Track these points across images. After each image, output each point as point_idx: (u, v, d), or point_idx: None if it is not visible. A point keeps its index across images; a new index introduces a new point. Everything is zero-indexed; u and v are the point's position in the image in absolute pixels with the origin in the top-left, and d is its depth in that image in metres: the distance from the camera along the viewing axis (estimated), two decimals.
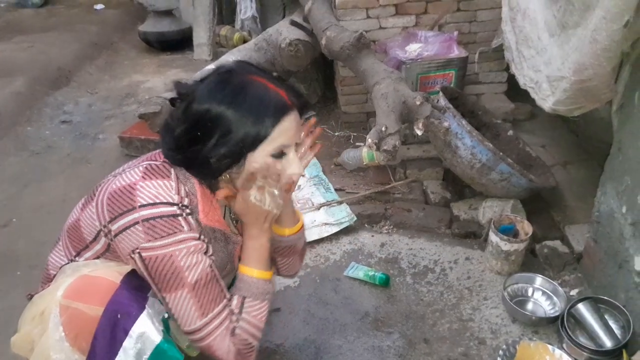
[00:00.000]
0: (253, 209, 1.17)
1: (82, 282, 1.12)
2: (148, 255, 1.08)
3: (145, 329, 1.08)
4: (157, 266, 1.08)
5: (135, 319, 1.08)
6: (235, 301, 1.18)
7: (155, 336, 1.09)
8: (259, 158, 1.12)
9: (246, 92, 1.09)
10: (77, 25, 5.34)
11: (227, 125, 1.08)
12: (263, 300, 1.20)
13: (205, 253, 1.14)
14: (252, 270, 1.21)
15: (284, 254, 1.42)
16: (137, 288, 1.11)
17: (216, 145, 1.08)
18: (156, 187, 1.11)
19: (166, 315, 1.15)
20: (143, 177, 1.12)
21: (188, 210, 1.12)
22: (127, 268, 1.14)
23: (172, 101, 1.17)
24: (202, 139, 1.09)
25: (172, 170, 1.15)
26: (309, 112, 1.20)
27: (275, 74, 2.99)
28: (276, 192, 1.16)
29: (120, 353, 1.07)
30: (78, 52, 4.69)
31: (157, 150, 1.24)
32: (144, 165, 1.16)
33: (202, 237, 1.13)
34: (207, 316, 1.12)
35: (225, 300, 1.16)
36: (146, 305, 1.10)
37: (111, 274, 1.12)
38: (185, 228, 1.09)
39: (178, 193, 1.12)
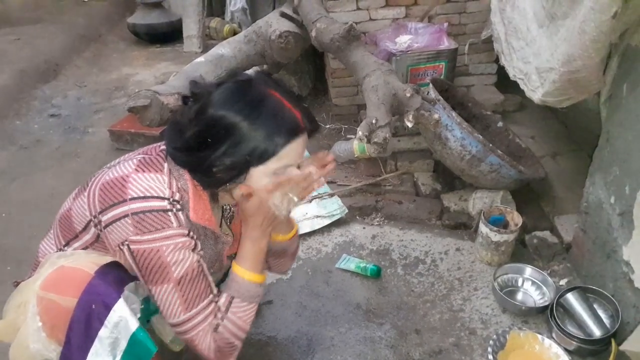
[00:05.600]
0: (264, 212, 1.17)
1: (58, 274, 1.12)
2: (136, 248, 1.08)
3: (122, 316, 1.08)
4: (145, 259, 1.09)
5: (109, 308, 1.07)
6: (223, 299, 1.18)
7: (133, 323, 1.08)
8: (261, 174, 1.12)
9: (263, 106, 1.09)
10: (64, 17, 5.28)
11: (239, 136, 1.07)
12: (251, 303, 1.21)
13: (194, 249, 1.13)
14: (245, 272, 1.21)
15: (275, 255, 1.44)
16: (113, 279, 1.11)
17: (224, 155, 1.08)
18: (148, 180, 1.11)
19: (143, 306, 1.15)
20: (136, 169, 1.13)
21: (179, 206, 1.11)
22: (105, 259, 1.14)
23: (185, 99, 1.16)
24: (211, 145, 1.08)
25: (165, 165, 1.15)
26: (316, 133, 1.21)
27: (265, 66, 2.99)
28: (295, 199, 1.17)
29: (96, 343, 1.07)
30: (66, 44, 4.64)
31: (153, 145, 1.23)
32: (138, 158, 1.16)
33: (191, 233, 1.13)
34: (191, 311, 1.13)
35: (211, 296, 1.16)
36: (121, 296, 1.09)
37: (87, 265, 1.12)
38: (175, 224, 1.09)
39: (170, 187, 1.12)
